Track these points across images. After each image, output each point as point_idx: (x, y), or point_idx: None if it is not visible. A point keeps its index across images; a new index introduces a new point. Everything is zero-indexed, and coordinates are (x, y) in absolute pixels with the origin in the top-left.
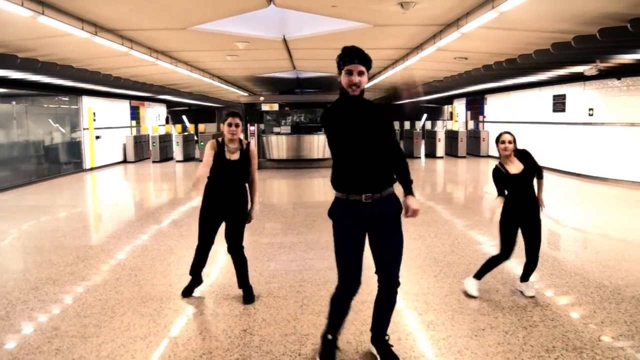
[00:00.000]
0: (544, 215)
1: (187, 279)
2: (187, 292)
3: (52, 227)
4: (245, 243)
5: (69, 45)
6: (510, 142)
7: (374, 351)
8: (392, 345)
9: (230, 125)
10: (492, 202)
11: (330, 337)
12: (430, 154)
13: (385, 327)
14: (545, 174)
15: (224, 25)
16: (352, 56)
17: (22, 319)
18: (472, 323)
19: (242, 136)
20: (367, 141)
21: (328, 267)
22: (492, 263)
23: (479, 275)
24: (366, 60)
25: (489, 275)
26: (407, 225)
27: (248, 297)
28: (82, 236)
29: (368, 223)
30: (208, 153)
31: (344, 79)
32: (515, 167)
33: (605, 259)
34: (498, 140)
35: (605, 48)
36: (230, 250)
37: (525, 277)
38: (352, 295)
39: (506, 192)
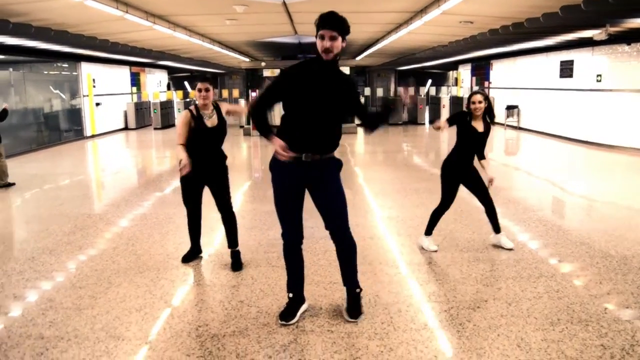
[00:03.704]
0: (549, 183)
1: (184, 247)
2: (187, 259)
3: (52, 196)
4: (244, 211)
5: (62, 9)
6: (480, 102)
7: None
8: (361, 298)
9: (200, 90)
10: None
11: (291, 295)
12: (435, 120)
13: (354, 278)
14: (552, 140)
15: None
16: (325, 22)
17: (17, 290)
18: (474, 294)
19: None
20: (327, 106)
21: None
22: (436, 216)
23: (429, 231)
24: (340, 26)
25: (492, 246)
26: (409, 193)
27: (237, 263)
28: (81, 205)
29: (307, 182)
30: (182, 127)
31: (318, 43)
32: (480, 125)
33: (612, 228)
34: (469, 100)
35: (616, 11)
36: (220, 208)
37: (496, 228)
38: (298, 245)
39: (456, 149)
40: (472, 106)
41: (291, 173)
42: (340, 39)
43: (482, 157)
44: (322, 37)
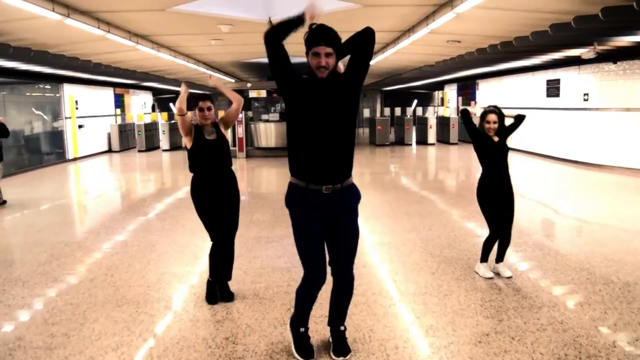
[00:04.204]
0: (540, 204)
1: (167, 278)
2: (212, 299)
3: (29, 222)
4: None
5: (42, 29)
6: (495, 123)
7: (331, 340)
8: (347, 338)
9: (202, 109)
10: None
11: (302, 329)
12: (422, 140)
13: (343, 320)
14: (539, 160)
15: (206, 6)
16: (319, 37)
17: None
18: (475, 327)
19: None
20: (334, 127)
21: None
22: (488, 245)
23: (484, 258)
24: (334, 41)
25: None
26: (400, 217)
27: (227, 294)
28: (59, 231)
29: (327, 215)
30: (192, 125)
31: (311, 61)
32: (495, 138)
33: (611, 252)
34: (483, 118)
35: (606, 29)
36: (225, 242)
37: (500, 257)
38: (319, 289)
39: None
40: (487, 125)
41: (312, 206)
42: (334, 55)
43: (506, 173)
44: (317, 54)
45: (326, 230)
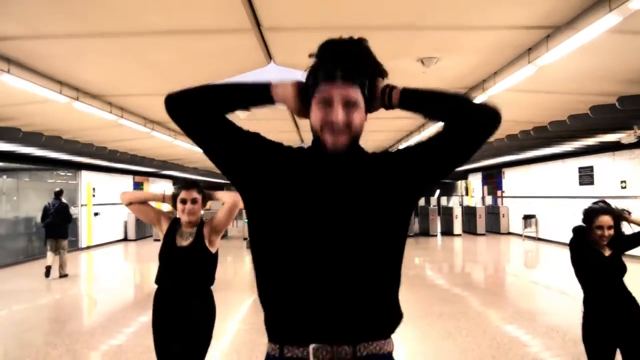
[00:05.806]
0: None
1: None
2: None
3: (19, 318)
4: (239, 344)
5: (52, 114)
6: (610, 229)
7: None
8: None
9: (183, 201)
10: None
11: None
12: (447, 231)
13: None
14: None
15: None
16: (334, 65)
17: None
18: None
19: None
20: (352, 240)
21: None
22: None
23: None
24: (364, 71)
25: None
26: (432, 320)
27: None
28: (50, 331)
29: None
30: (160, 214)
31: (314, 116)
32: (605, 250)
33: None
34: (591, 221)
35: None
36: None
37: None
38: None
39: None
40: (598, 233)
41: None
42: (362, 106)
43: (626, 297)
44: (326, 102)
45: None
